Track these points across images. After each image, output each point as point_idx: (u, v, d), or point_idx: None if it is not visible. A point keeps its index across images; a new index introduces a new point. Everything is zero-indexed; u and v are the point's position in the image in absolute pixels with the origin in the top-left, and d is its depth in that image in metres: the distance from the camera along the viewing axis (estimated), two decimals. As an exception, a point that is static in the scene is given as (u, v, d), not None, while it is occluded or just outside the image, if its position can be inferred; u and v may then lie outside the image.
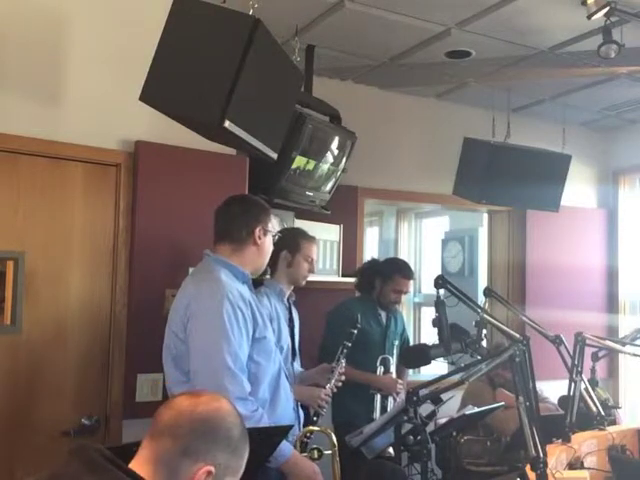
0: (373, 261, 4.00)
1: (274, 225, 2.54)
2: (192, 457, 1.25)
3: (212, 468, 1.25)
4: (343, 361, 3.08)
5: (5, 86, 2.67)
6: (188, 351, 2.27)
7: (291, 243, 3.05)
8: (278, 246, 2.64)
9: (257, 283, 2.81)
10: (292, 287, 3.12)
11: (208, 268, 2.40)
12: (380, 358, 3.67)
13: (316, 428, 2.68)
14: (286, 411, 2.46)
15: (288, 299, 3.09)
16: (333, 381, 3.03)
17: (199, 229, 2.88)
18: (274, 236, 2.53)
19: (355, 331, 3.15)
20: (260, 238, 2.45)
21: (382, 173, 4.49)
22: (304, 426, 2.69)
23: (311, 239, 3.15)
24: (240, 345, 2.26)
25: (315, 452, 2.51)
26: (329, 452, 2.56)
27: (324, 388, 2.97)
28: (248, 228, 2.43)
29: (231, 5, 2.23)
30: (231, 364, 2.21)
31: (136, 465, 1.25)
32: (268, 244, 2.50)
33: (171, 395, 2.26)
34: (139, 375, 2.86)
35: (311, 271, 3.12)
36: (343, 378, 3.08)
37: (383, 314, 3.82)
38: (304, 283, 3.14)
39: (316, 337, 3.56)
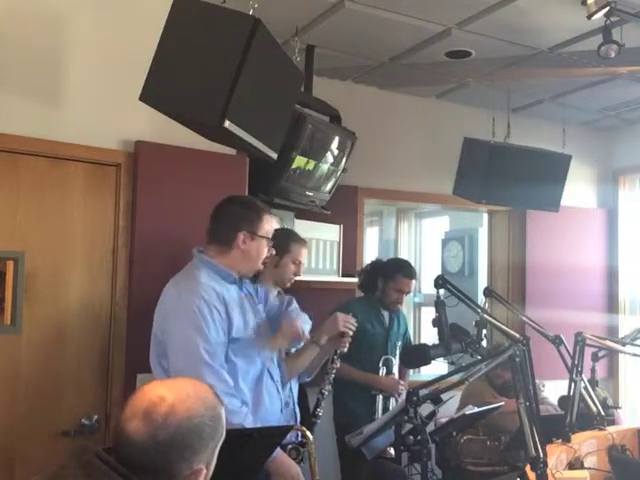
0: (376, 261, 4.00)
1: (269, 229, 2.50)
2: (179, 475, 1.22)
3: (202, 467, 1.24)
4: (337, 362, 3.08)
5: (5, 86, 2.67)
6: (167, 351, 2.30)
7: (280, 244, 3.01)
8: None
9: None
10: (278, 288, 3.11)
11: (190, 269, 2.42)
12: (382, 359, 3.67)
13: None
14: (270, 413, 2.44)
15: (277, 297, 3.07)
16: (328, 382, 3.05)
17: (199, 229, 2.87)
18: (268, 241, 2.49)
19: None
20: (245, 243, 2.42)
21: (382, 173, 4.49)
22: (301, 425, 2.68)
23: (301, 242, 3.13)
24: (217, 342, 2.27)
25: (293, 452, 2.50)
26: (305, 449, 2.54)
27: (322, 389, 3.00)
28: (232, 233, 2.42)
29: (231, 5, 2.22)
30: (209, 360, 2.23)
31: None
32: (256, 249, 2.46)
33: None
34: (139, 375, 2.85)
35: (297, 274, 3.09)
36: (332, 378, 3.08)
37: (386, 314, 3.82)
38: (289, 285, 3.11)
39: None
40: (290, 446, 2.52)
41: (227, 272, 2.41)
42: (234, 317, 2.36)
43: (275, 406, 2.49)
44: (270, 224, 2.51)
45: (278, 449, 2.34)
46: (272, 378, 2.50)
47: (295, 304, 2.89)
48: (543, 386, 3.98)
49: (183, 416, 1.21)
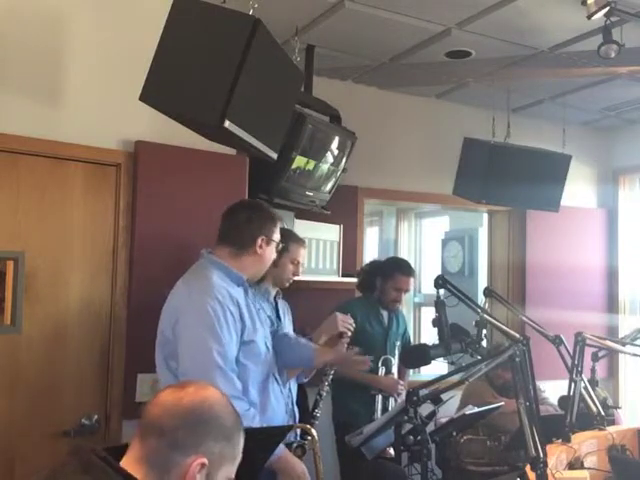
0: (375, 261, 4.01)
1: (279, 235, 2.53)
2: (182, 451, 1.22)
3: (205, 460, 1.23)
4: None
5: (5, 86, 2.67)
6: (177, 351, 2.28)
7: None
8: None
9: None
10: (277, 288, 3.11)
11: (200, 269, 2.41)
12: (382, 359, 3.67)
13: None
14: (276, 414, 2.45)
15: (275, 297, 3.08)
16: (326, 383, 3.07)
17: (199, 229, 2.88)
18: (277, 246, 2.52)
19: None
20: (262, 247, 2.44)
21: (382, 173, 4.49)
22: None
23: (300, 242, 3.14)
24: (229, 345, 2.26)
25: (299, 450, 2.51)
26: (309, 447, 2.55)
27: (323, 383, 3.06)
28: (251, 237, 2.43)
29: (231, 5, 2.23)
30: (221, 363, 2.22)
31: (127, 464, 1.24)
32: (269, 253, 2.49)
33: None
34: (139, 375, 2.86)
35: (295, 274, 3.10)
36: (330, 379, 3.10)
37: (385, 314, 3.82)
38: (287, 285, 3.12)
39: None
40: (295, 444, 2.53)
41: (237, 275, 2.41)
42: (246, 320, 2.36)
43: (281, 407, 2.50)
44: (279, 230, 2.54)
45: (284, 448, 2.35)
46: (277, 379, 2.51)
47: (288, 317, 2.92)
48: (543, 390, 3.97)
49: (210, 394, 1.30)
